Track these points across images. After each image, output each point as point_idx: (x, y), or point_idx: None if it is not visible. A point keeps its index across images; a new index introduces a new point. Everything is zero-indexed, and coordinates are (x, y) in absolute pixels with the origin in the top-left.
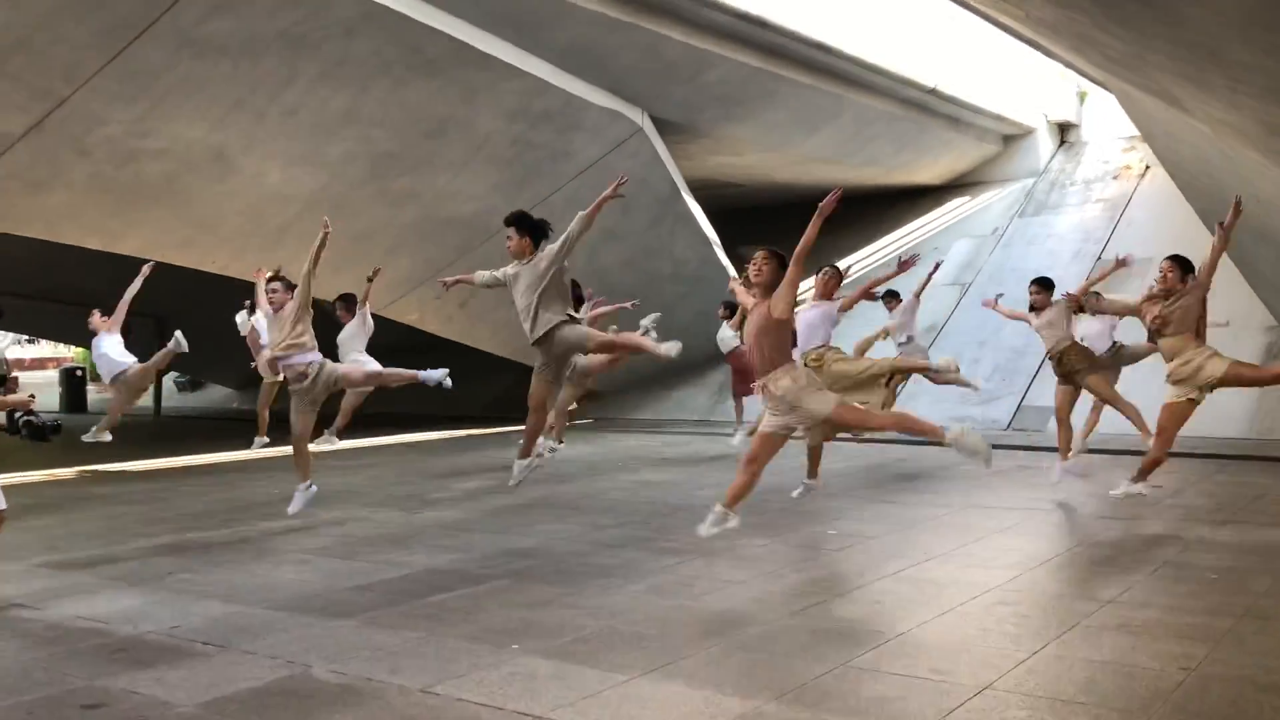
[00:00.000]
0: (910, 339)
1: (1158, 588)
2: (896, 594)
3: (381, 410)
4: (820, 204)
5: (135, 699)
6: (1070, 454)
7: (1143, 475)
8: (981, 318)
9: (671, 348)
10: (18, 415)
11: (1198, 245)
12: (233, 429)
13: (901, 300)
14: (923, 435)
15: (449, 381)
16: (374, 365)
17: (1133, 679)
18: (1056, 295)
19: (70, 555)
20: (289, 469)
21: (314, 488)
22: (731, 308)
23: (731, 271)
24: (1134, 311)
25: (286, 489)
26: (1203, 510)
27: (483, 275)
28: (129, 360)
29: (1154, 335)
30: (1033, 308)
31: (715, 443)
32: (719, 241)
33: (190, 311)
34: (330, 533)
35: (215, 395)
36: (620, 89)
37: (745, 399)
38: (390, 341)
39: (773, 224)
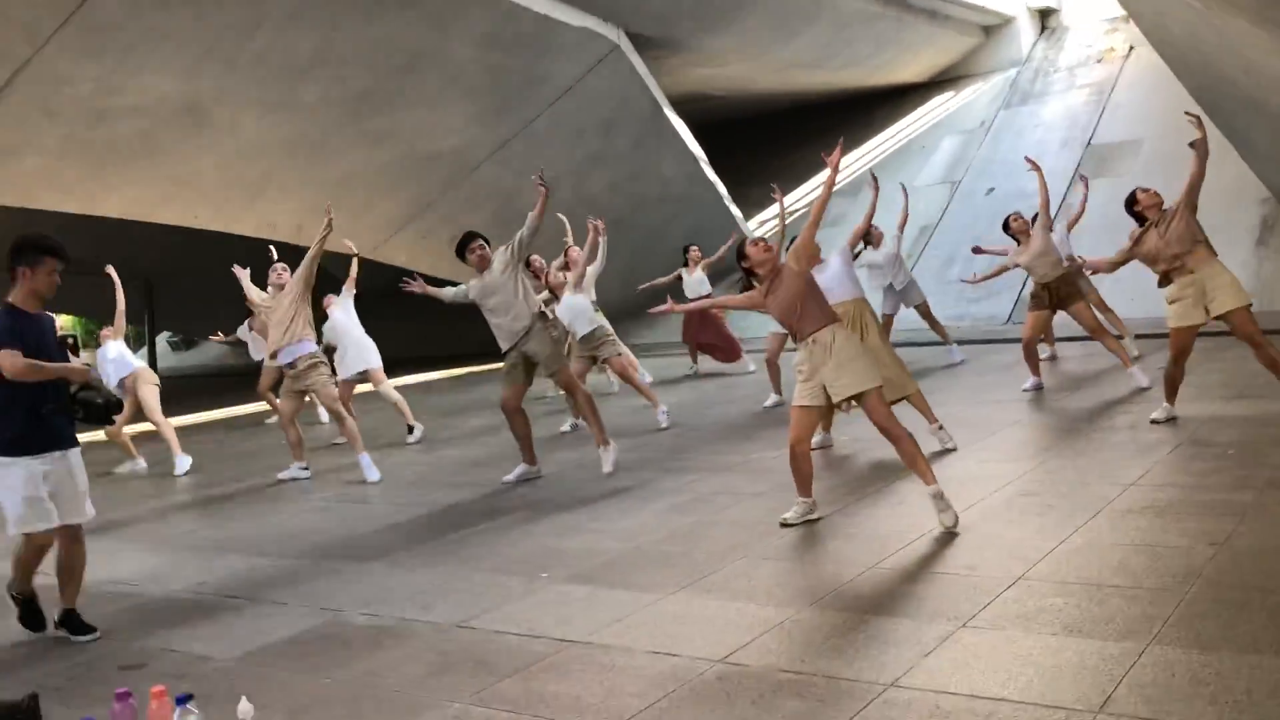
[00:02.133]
0: (902, 284)
1: (1177, 467)
2: (918, 493)
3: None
4: (829, 160)
5: (173, 656)
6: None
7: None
8: (973, 215)
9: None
10: (73, 389)
11: (1189, 124)
12: (229, 384)
13: (881, 233)
14: (913, 469)
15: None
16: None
17: (1162, 558)
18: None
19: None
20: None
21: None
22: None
23: (721, 189)
24: (1138, 258)
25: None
26: (1214, 387)
27: (448, 291)
28: (137, 363)
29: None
30: (1015, 237)
31: (712, 361)
32: (705, 158)
33: (178, 270)
34: (345, 478)
35: (210, 352)
36: (594, 6)
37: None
38: (379, 285)
39: (758, 133)
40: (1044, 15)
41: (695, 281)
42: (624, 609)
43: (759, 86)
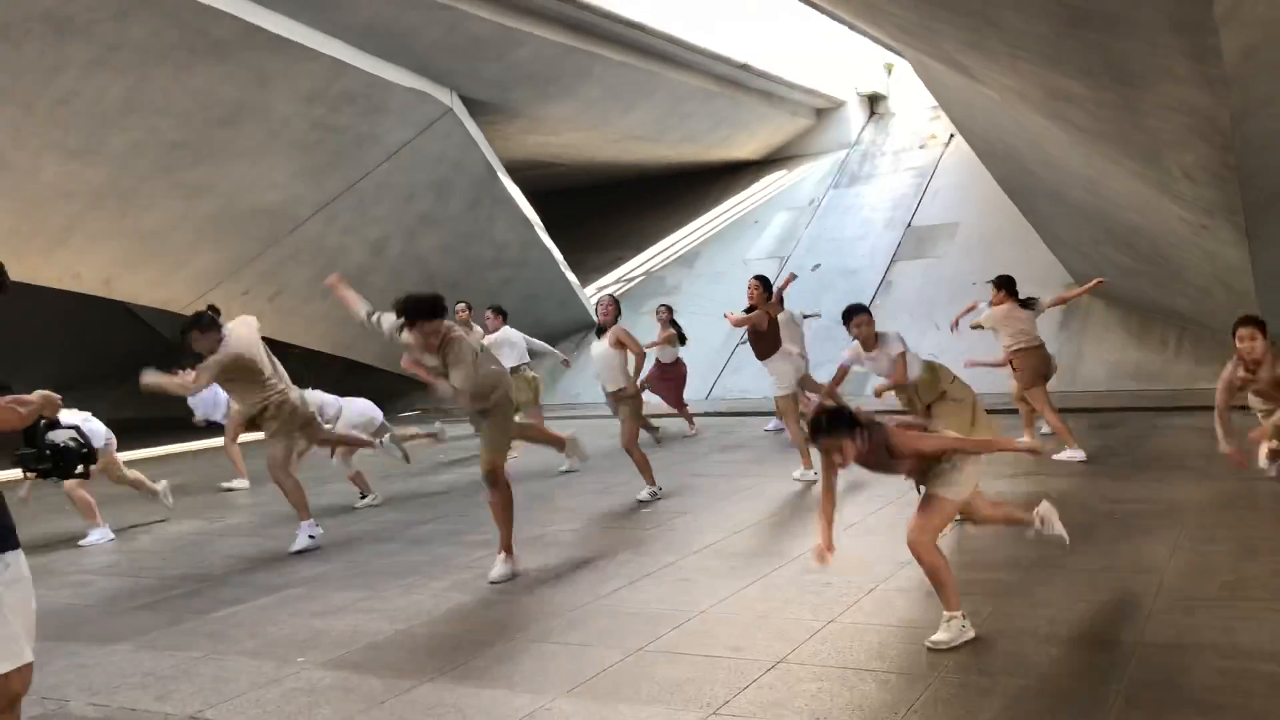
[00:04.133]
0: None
1: (955, 545)
2: (705, 569)
3: (161, 415)
4: None
5: None
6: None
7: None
8: (799, 289)
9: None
10: (41, 424)
11: (1000, 210)
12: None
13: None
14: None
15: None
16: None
17: (921, 640)
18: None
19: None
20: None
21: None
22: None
23: (557, 254)
24: None
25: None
26: (996, 464)
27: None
28: None
29: None
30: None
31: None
32: (541, 223)
33: None
34: (120, 548)
35: None
36: (426, 69)
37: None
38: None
39: (599, 202)
40: (873, 101)
41: None
42: (374, 697)
43: (598, 156)
